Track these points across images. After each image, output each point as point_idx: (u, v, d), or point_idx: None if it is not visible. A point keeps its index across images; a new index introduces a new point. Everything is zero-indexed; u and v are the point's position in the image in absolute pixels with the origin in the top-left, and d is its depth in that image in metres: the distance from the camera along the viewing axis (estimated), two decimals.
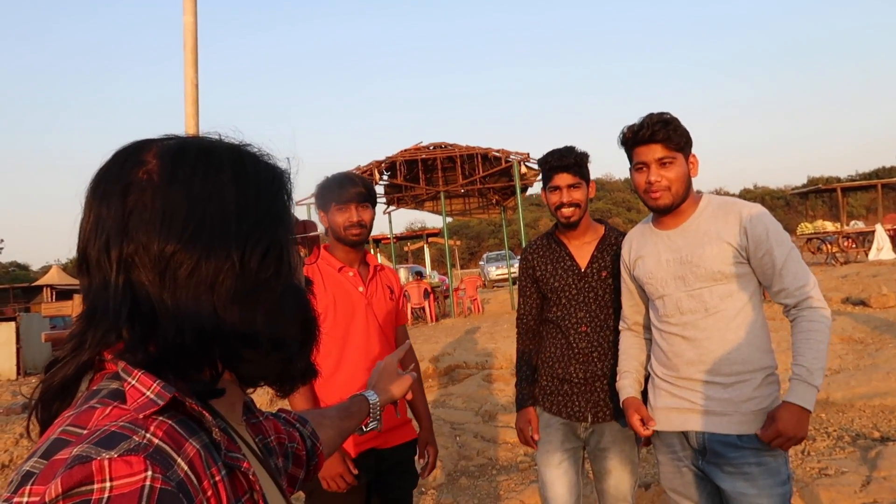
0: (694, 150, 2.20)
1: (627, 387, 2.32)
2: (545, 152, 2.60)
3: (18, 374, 11.21)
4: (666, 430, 2.19)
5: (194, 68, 4.57)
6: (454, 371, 8.06)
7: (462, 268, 45.91)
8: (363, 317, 2.39)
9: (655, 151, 2.11)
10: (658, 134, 2.09)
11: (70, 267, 59.74)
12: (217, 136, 0.79)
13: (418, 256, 31.63)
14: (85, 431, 0.61)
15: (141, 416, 0.63)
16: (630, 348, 2.38)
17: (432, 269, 22.76)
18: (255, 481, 0.71)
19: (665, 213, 2.19)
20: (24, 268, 64.47)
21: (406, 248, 27.49)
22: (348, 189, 2.38)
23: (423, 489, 4.56)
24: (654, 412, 2.23)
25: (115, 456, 0.57)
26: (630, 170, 2.23)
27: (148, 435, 0.61)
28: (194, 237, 0.71)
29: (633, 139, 2.15)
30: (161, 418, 0.64)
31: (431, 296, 15.58)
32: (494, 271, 28.09)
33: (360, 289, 2.43)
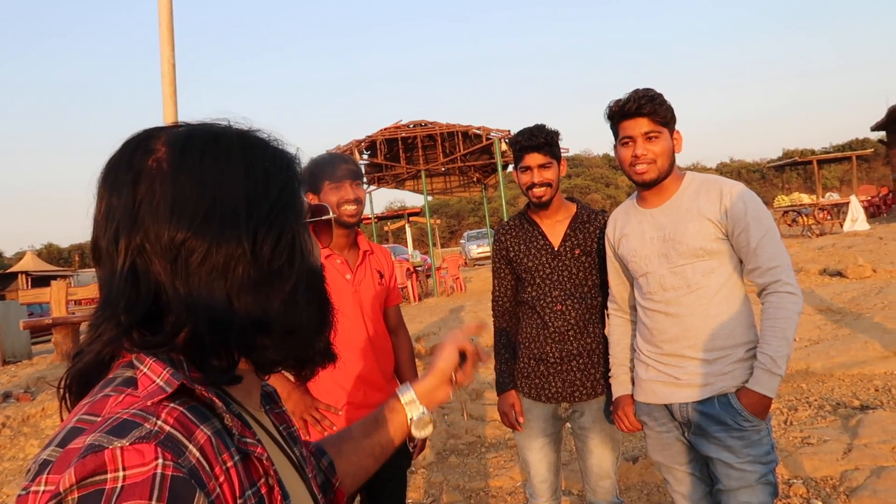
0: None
1: (622, 383, 2.38)
2: (516, 132, 2.59)
3: None
4: (652, 403, 2.23)
5: (171, 47, 4.47)
6: None
7: (443, 246, 45.95)
8: (349, 305, 2.37)
9: (642, 125, 2.12)
10: (644, 108, 2.10)
11: (44, 253, 58.84)
12: (226, 123, 0.78)
13: (398, 236, 31.57)
14: (98, 419, 0.62)
15: (150, 403, 0.63)
16: (622, 338, 2.41)
17: (414, 248, 22.74)
18: (270, 466, 0.70)
19: (649, 189, 2.20)
20: None
21: (386, 228, 27.42)
22: (341, 166, 2.34)
23: (413, 468, 4.59)
24: (639, 384, 2.28)
25: (127, 444, 0.57)
26: (615, 145, 2.24)
27: (159, 422, 0.61)
28: (204, 224, 0.70)
29: (620, 113, 2.15)
30: (172, 405, 0.64)
31: (414, 275, 15.58)
32: (475, 249, 28.12)
33: (348, 276, 2.40)
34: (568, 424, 2.66)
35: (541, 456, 2.61)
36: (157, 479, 0.57)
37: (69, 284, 13.11)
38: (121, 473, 0.56)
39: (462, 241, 32.98)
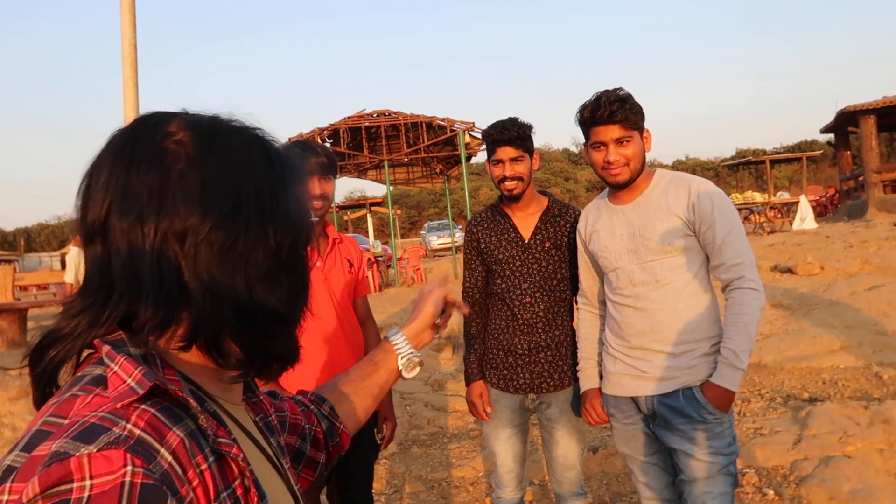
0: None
1: (590, 377, 2.42)
2: (489, 124, 2.59)
3: None
4: (619, 396, 2.27)
5: (132, 28, 4.34)
6: None
7: (403, 237, 45.82)
8: (319, 293, 2.34)
9: (613, 132, 2.14)
10: (616, 115, 2.12)
11: None
12: (228, 115, 0.77)
13: (359, 226, 31.37)
14: (65, 422, 0.59)
15: (119, 405, 0.60)
16: (591, 332, 2.46)
17: (374, 238, 22.63)
18: (245, 467, 0.68)
19: (622, 188, 2.23)
20: None
21: (346, 218, 27.20)
22: (310, 160, 2.30)
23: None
24: (607, 376, 2.33)
25: (95, 451, 0.55)
26: (585, 146, 2.27)
27: (129, 426, 0.59)
28: (234, 212, 0.70)
29: (591, 119, 2.17)
30: (143, 407, 0.62)
31: (375, 265, 15.51)
32: (436, 241, 28.14)
33: (318, 263, 2.38)
34: (535, 416, 2.69)
35: (507, 447, 2.64)
36: (126, 487, 0.54)
37: (15, 269, 12.65)
38: (87, 483, 0.53)
39: (423, 233, 32.95)
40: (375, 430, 2.51)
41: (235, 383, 0.80)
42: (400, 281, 16.58)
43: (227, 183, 0.70)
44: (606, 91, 2.17)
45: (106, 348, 0.66)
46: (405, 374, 1.15)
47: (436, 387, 6.27)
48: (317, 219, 2.38)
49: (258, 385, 0.94)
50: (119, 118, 4.17)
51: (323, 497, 2.54)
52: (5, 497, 0.54)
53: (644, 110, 2.20)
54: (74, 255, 11.33)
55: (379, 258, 16.70)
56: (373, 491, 2.61)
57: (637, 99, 2.18)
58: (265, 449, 0.82)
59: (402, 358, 1.14)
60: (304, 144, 2.37)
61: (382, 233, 38.65)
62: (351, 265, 2.52)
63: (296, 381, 2.29)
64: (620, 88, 2.18)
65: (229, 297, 0.69)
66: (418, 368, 1.15)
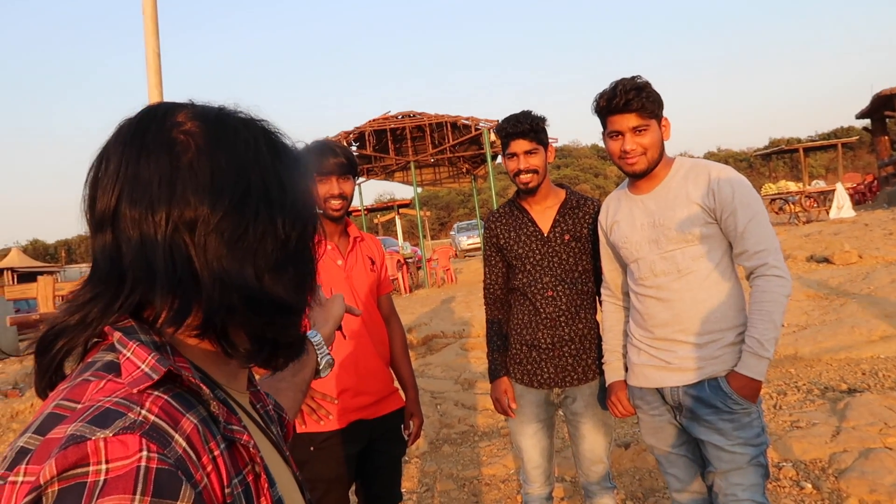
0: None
1: (615, 369, 2.40)
2: (503, 119, 2.59)
3: None
4: (644, 387, 2.25)
5: (155, 37, 4.42)
6: (432, 341, 8.09)
7: (432, 238, 45.90)
8: (342, 291, 2.35)
9: (630, 120, 2.12)
10: (633, 103, 2.09)
11: (30, 249, 58.31)
12: (234, 107, 0.77)
13: (388, 228, 31.52)
14: (79, 406, 0.60)
15: (135, 390, 0.61)
16: (615, 324, 2.43)
17: (404, 240, 22.72)
18: (256, 454, 0.69)
19: (640, 178, 2.21)
20: None
21: (376, 221, 27.34)
22: (329, 159, 2.32)
23: (406, 457, 4.60)
24: (632, 368, 2.30)
25: (111, 435, 0.55)
26: (603, 135, 2.24)
27: (143, 411, 0.59)
28: (242, 202, 0.70)
29: (607, 108, 2.14)
30: (157, 393, 0.62)
31: (405, 267, 15.57)
32: (465, 241, 28.11)
33: (339, 262, 2.40)
34: (560, 411, 2.68)
35: (534, 442, 2.63)
36: (142, 471, 0.54)
37: (56, 280, 12.98)
38: (103, 466, 0.54)
39: (452, 233, 32.96)
40: (402, 426, 2.52)
41: (242, 369, 0.81)
42: (430, 282, 16.61)
43: (236, 173, 0.70)
44: (623, 79, 2.14)
45: (118, 335, 0.66)
46: (322, 373, 1.23)
47: (466, 385, 6.27)
48: (337, 218, 2.39)
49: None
50: None
51: (352, 494, 2.56)
52: (20, 478, 0.54)
53: (662, 98, 2.17)
54: None
55: (408, 259, 16.75)
56: (404, 489, 2.62)
57: (667, 89, 2.16)
58: (271, 436, 0.83)
59: (321, 357, 1.22)
60: (322, 145, 2.39)
61: (412, 234, 38.75)
62: (373, 263, 2.53)
63: (325, 381, 2.30)
64: (638, 76, 2.15)
65: (239, 287, 0.69)
66: (330, 369, 1.24)
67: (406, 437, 2.52)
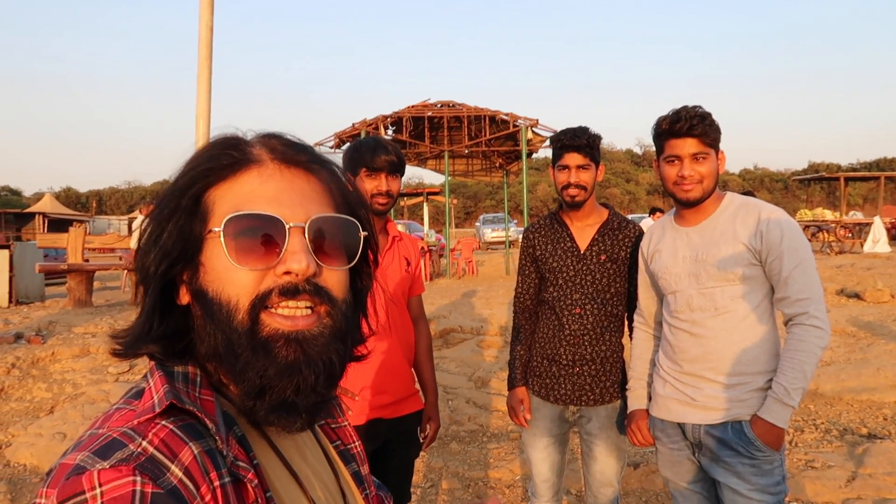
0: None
1: (639, 397, 2.37)
2: (560, 130, 2.59)
3: (10, 302, 11.17)
4: (666, 419, 2.22)
5: (210, 9, 4.43)
6: (449, 334, 8.09)
7: (457, 226, 45.87)
8: (374, 288, 2.35)
9: (690, 146, 2.08)
10: (696, 129, 2.06)
11: (62, 196, 59.39)
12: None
13: (414, 213, 31.54)
14: (100, 432, 0.64)
15: (136, 421, 0.64)
16: (644, 352, 2.41)
17: (429, 227, 22.73)
18: (261, 493, 0.67)
19: (691, 207, 2.17)
20: (17, 193, 64.02)
21: (403, 204, 27.37)
22: (381, 156, 2.31)
23: None
24: (655, 398, 2.28)
25: (107, 467, 0.59)
26: (658, 160, 2.21)
27: (144, 443, 0.62)
28: None
29: (669, 131, 2.11)
30: (163, 423, 0.65)
31: (427, 254, 15.58)
32: (490, 233, 28.06)
33: None
34: (576, 428, 2.66)
35: (544, 455, 2.62)
36: (138, 495, 0.58)
37: (86, 231, 13.20)
38: (98, 491, 0.57)
39: (477, 224, 32.90)
40: (419, 428, 2.52)
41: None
42: (451, 272, 16.61)
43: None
44: (686, 106, 2.12)
45: (152, 363, 0.70)
46: None
47: (479, 384, 6.26)
48: (380, 213, 2.39)
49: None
50: (192, 91, 4.28)
51: None
52: (41, 501, 0.60)
53: (721, 130, 2.14)
54: (139, 223, 11.79)
55: (432, 247, 16.76)
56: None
57: (705, 101, 2.13)
58: (296, 475, 0.78)
59: None
60: (375, 141, 2.38)
61: (437, 220, 38.78)
62: (408, 264, 2.53)
63: (349, 376, 2.30)
64: (699, 106, 2.13)
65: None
66: None
67: (421, 441, 2.52)
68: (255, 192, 0.72)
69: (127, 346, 0.74)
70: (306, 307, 0.71)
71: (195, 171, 0.73)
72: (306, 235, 0.72)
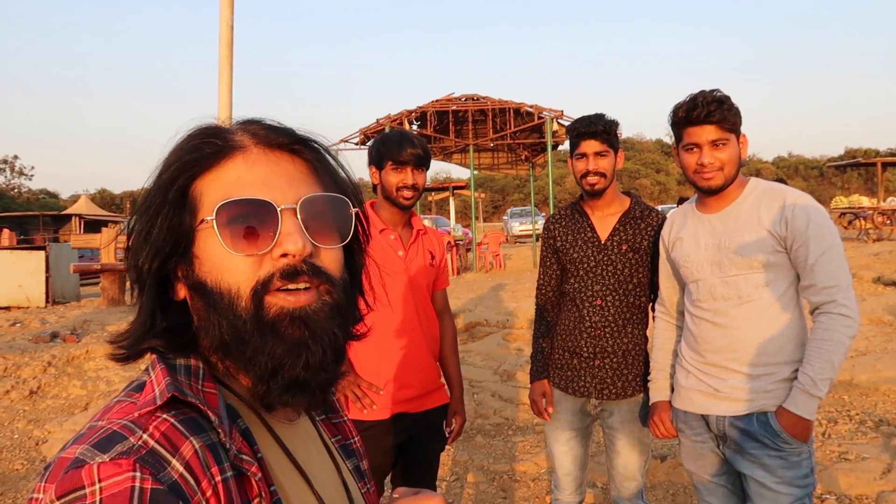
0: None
1: (661, 389, 2.33)
2: (575, 119, 2.54)
3: (47, 302, 11.48)
4: (689, 411, 2.17)
5: (230, 8, 4.47)
6: (475, 328, 8.08)
7: (485, 221, 45.79)
8: (399, 281, 2.36)
9: (709, 133, 2.03)
10: (714, 115, 2.00)
11: (97, 198, 60.74)
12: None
13: (441, 207, 31.55)
14: (99, 424, 0.64)
15: (137, 414, 0.64)
16: (666, 342, 2.36)
17: (456, 221, 22.74)
18: (264, 487, 0.67)
19: (713, 195, 2.11)
20: (54, 195, 65.64)
21: (430, 199, 27.39)
22: (407, 150, 2.31)
23: None
24: (678, 390, 2.23)
25: (107, 460, 0.58)
26: (678, 148, 2.16)
27: (144, 436, 0.61)
28: None
29: (686, 119, 2.05)
30: (164, 416, 0.64)
31: (454, 249, 15.58)
32: (518, 227, 27.96)
33: (400, 252, 2.39)
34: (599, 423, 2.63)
35: (566, 449, 2.59)
36: (136, 491, 0.57)
37: (119, 231, 13.47)
38: (97, 486, 0.56)
39: (505, 218, 32.82)
40: (444, 422, 2.52)
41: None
42: (478, 266, 16.59)
43: None
44: (703, 91, 2.06)
45: (153, 356, 0.70)
46: None
47: (505, 377, 6.24)
48: (406, 207, 2.38)
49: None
50: (214, 90, 4.33)
51: (387, 481, 2.57)
52: (38, 496, 0.58)
53: (741, 113, 2.08)
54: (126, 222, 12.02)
55: (458, 242, 16.75)
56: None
57: (734, 89, 2.06)
58: (302, 470, 0.78)
59: None
60: (401, 134, 2.37)
61: (464, 215, 38.73)
62: (433, 257, 2.52)
63: (373, 370, 2.31)
64: (717, 90, 2.06)
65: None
66: None
67: (447, 435, 2.52)
68: (243, 178, 0.72)
69: (129, 347, 0.73)
70: (305, 287, 0.71)
71: (179, 164, 0.72)
72: (298, 216, 0.71)
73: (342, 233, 0.77)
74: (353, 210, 0.79)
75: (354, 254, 0.83)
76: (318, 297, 0.72)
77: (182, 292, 0.74)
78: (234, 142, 0.74)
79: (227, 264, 0.70)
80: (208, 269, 0.71)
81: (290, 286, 0.70)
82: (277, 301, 0.70)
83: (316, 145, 0.79)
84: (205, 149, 0.73)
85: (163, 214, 0.72)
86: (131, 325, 0.75)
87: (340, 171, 0.81)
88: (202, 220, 0.71)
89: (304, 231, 0.71)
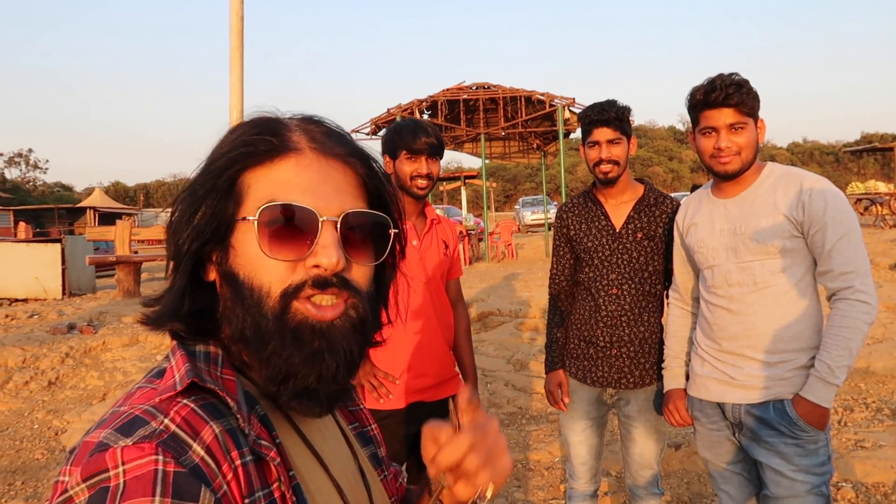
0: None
1: (676, 376, 2.32)
2: (586, 106, 2.51)
3: (64, 294, 11.60)
4: (704, 399, 2.16)
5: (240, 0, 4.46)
6: (487, 318, 8.09)
7: (496, 210, 45.70)
8: (415, 272, 2.36)
9: (727, 116, 2.00)
10: (732, 98, 1.97)
11: (111, 191, 61.22)
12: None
13: (453, 197, 31.54)
14: (122, 409, 0.65)
15: (158, 399, 0.65)
16: (680, 329, 2.35)
17: (468, 211, 22.72)
18: (283, 471, 0.69)
19: (729, 180, 2.09)
20: (68, 188, 66.24)
21: (441, 189, 27.37)
22: (421, 139, 2.31)
23: None
24: (693, 378, 2.22)
25: (130, 444, 0.59)
26: (694, 132, 2.13)
27: (166, 420, 0.63)
28: None
29: (704, 102, 2.03)
30: (184, 401, 0.65)
31: (466, 238, 15.57)
32: (530, 216, 27.88)
33: (414, 242, 2.40)
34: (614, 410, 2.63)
35: (582, 438, 2.59)
36: (160, 474, 0.58)
37: (133, 224, 13.59)
38: (121, 469, 0.58)
39: (517, 207, 32.73)
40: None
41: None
42: (490, 255, 16.57)
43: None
44: (721, 74, 2.03)
45: (174, 343, 0.71)
46: None
47: (518, 366, 6.24)
48: (420, 197, 2.39)
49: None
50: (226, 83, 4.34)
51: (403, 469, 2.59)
52: (62, 479, 0.60)
53: (760, 97, 2.05)
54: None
55: (471, 231, 16.74)
56: None
57: (750, 73, 2.03)
58: (321, 458, 0.79)
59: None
60: (415, 123, 2.37)
61: (476, 205, 38.67)
62: (446, 247, 2.53)
63: (389, 360, 2.32)
64: (735, 73, 2.04)
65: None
66: None
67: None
68: (292, 181, 0.72)
69: (155, 321, 0.75)
70: (333, 298, 0.72)
71: (233, 154, 0.73)
72: (338, 229, 0.72)
73: (378, 251, 0.78)
74: (393, 231, 0.79)
75: (386, 268, 0.84)
76: (344, 312, 0.72)
77: (213, 275, 0.75)
78: (290, 142, 0.74)
79: (261, 262, 0.71)
80: (243, 262, 0.72)
81: (318, 296, 0.71)
82: (304, 308, 0.70)
83: (371, 161, 0.79)
84: (260, 145, 0.73)
85: (209, 200, 0.72)
86: (162, 298, 0.76)
87: (388, 189, 0.81)
88: (244, 218, 0.72)
89: (340, 245, 0.72)
